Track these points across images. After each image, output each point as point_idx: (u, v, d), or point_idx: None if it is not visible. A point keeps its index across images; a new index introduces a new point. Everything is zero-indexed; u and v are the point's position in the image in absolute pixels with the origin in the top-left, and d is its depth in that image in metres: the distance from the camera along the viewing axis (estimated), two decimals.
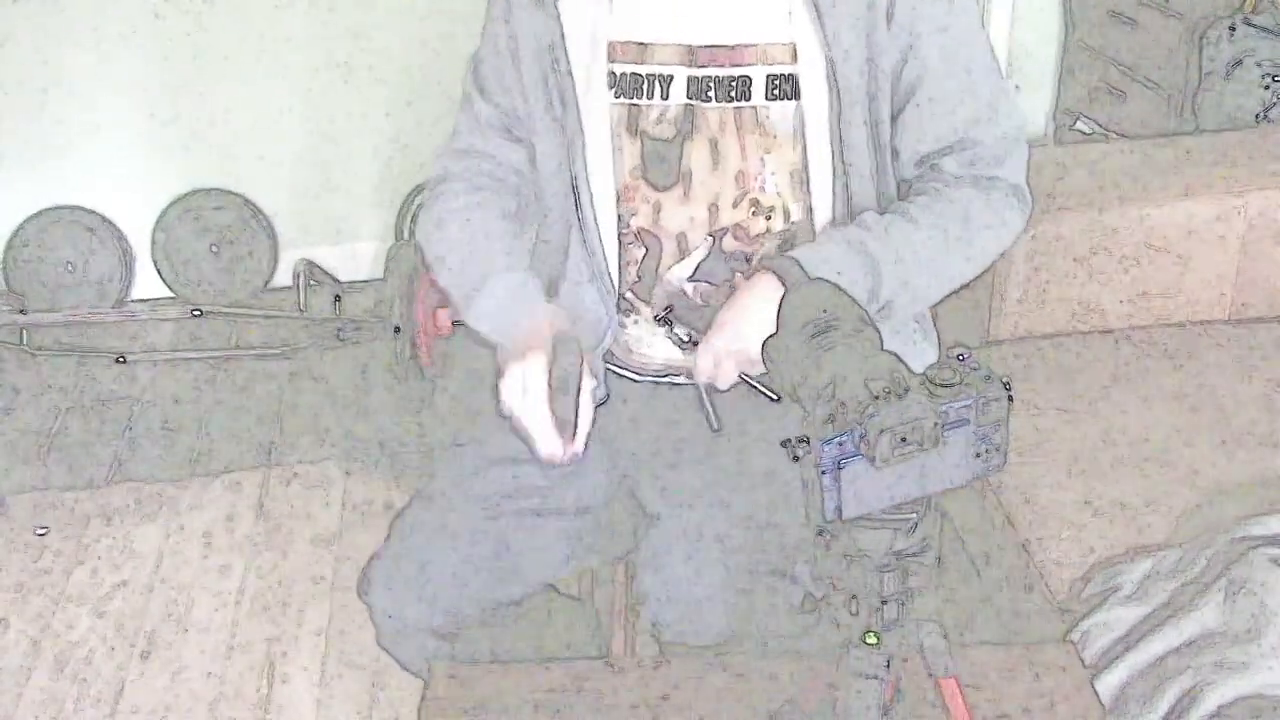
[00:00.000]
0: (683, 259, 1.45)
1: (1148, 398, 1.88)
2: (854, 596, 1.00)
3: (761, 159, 1.40)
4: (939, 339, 1.61)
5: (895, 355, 0.95)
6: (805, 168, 1.40)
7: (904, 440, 0.90)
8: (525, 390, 1.33)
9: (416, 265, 2.87)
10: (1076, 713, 1.24)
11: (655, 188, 1.43)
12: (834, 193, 1.41)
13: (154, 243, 3.32)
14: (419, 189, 3.35)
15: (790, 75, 1.37)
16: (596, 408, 1.48)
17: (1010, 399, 0.95)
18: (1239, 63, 2.76)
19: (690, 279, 1.46)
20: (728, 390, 1.38)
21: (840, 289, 1.01)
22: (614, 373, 1.55)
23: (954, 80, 1.39)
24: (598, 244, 1.46)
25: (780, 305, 1.00)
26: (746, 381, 1.37)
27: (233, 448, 2.81)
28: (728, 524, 1.40)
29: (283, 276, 3.36)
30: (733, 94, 1.38)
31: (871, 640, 1.00)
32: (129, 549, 2.51)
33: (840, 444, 0.91)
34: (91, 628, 2.32)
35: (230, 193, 3.32)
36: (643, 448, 1.52)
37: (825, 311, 1.00)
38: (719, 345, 1.36)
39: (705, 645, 1.38)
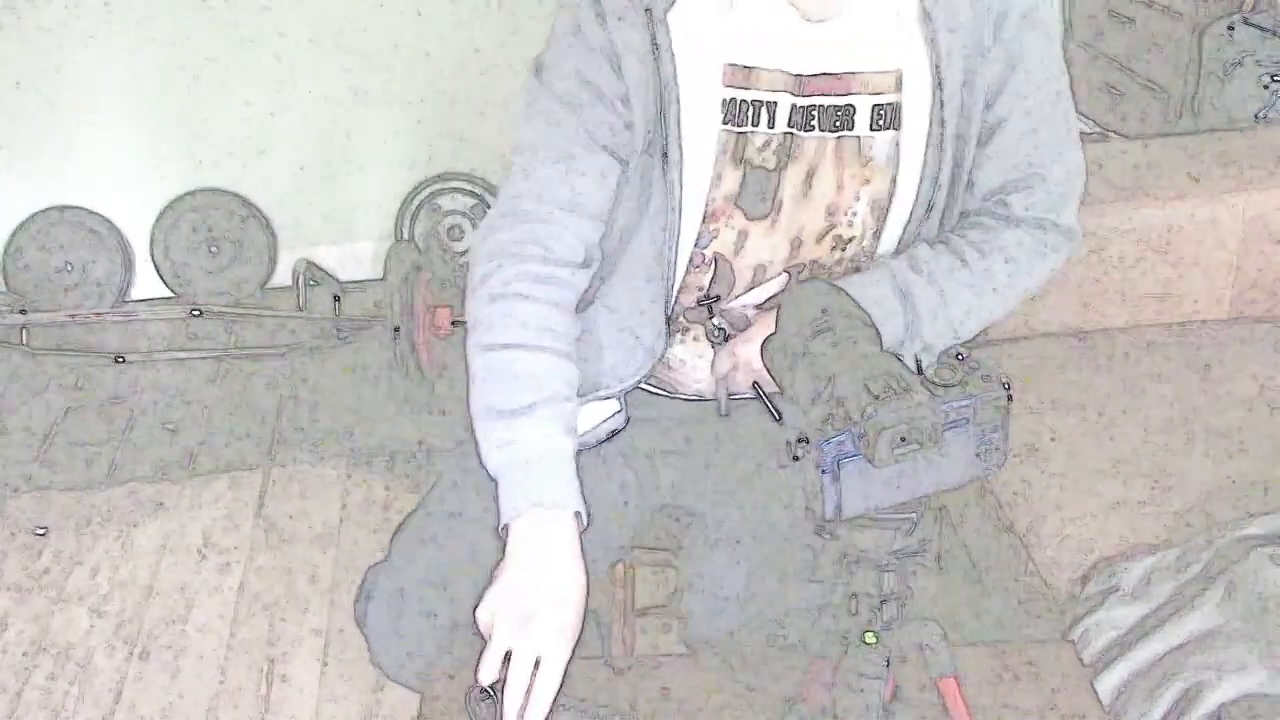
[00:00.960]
0: (754, 288, 1.44)
1: (1147, 397, 1.88)
2: (854, 596, 1.00)
3: (858, 191, 1.38)
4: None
5: (894, 355, 0.95)
6: (890, 198, 1.39)
7: (903, 440, 0.90)
8: (531, 672, 1.19)
9: (415, 264, 2.87)
10: (1076, 712, 1.24)
11: (748, 216, 1.40)
12: (905, 224, 1.40)
13: (153, 242, 3.32)
14: (419, 188, 3.36)
15: (893, 104, 1.35)
16: (614, 434, 1.49)
17: (1009, 399, 0.95)
18: (1238, 62, 2.76)
19: (758, 307, 1.44)
20: (739, 395, 1.39)
21: (840, 289, 1.01)
22: (645, 391, 1.54)
23: (1040, 112, 1.39)
24: (670, 266, 1.41)
25: (780, 305, 1.00)
26: (759, 394, 1.37)
27: (232, 448, 2.81)
28: (768, 528, 1.41)
29: (282, 276, 3.36)
30: (837, 123, 1.36)
31: (871, 639, 1.01)
32: (128, 549, 2.51)
33: (840, 443, 0.91)
34: (91, 627, 2.32)
35: (229, 192, 3.32)
36: (674, 461, 1.53)
37: (824, 311, 1.00)
38: (741, 352, 1.37)
39: (735, 641, 1.39)
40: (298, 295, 3.22)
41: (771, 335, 1.00)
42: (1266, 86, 2.74)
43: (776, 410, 1.35)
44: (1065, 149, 1.43)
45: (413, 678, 1.47)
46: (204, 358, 3.13)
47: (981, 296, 1.41)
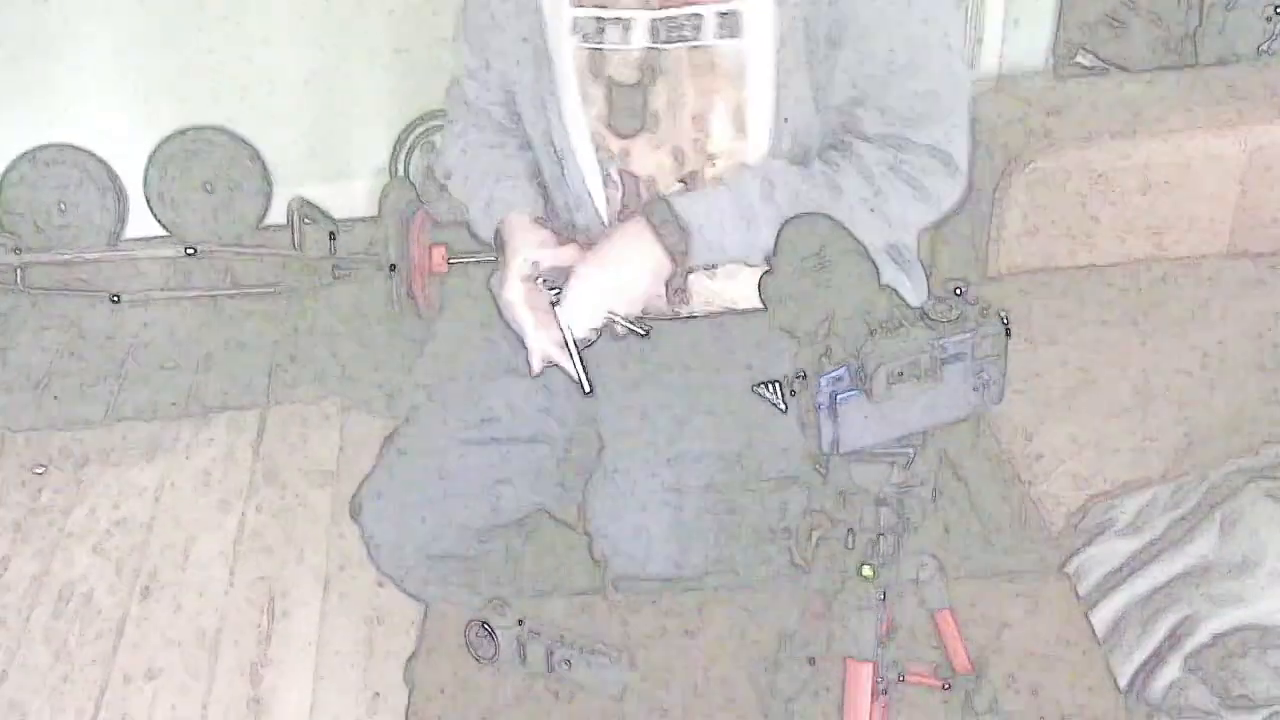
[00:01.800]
0: None
1: (1145, 332, 1.87)
2: (850, 530, 1.00)
3: (711, 101, 1.39)
4: (928, 281, 1.60)
5: (893, 290, 0.95)
6: (744, 110, 1.39)
7: (901, 375, 0.90)
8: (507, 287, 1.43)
9: (410, 202, 2.86)
10: (1071, 644, 1.26)
11: (619, 134, 1.43)
12: (772, 137, 1.39)
13: (146, 181, 3.30)
14: (414, 125, 3.33)
15: (736, 13, 1.35)
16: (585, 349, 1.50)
17: (1007, 333, 0.95)
18: None
19: None
20: (595, 338, 1.41)
21: (838, 224, 1.01)
22: None
23: (886, 20, 1.34)
24: (583, 190, 1.47)
25: (777, 239, 1.00)
26: (616, 321, 1.39)
27: (230, 386, 2.81)
28: (676, 459, 1.41)
29: (277, 214, 3.35)
30: (686, 34, 1.37)
31: (867, 574, 1.01)
32: (128, 487, 2.52)
33: (837, 378, 0.91)
34: (92, 565, 2.33)
35: (223, 130, 3.30)
36: (605, 380, 1.53)
37: (823, 246, 0.99)
38: (580, 287, 1.38)
39: (650, 578, 1.39)
40: (292, 233, 3.20)
41: (768, 270, 1.00)
42: (1269, 19, 2.70)
43: (641, 328, 1.39)
44: (925, 62, 1.36)
45: (406, 576, 1.53)
46: (200, 297, 3.12)
47: (832, 215, 1.37)
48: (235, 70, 3.24)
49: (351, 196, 3.40)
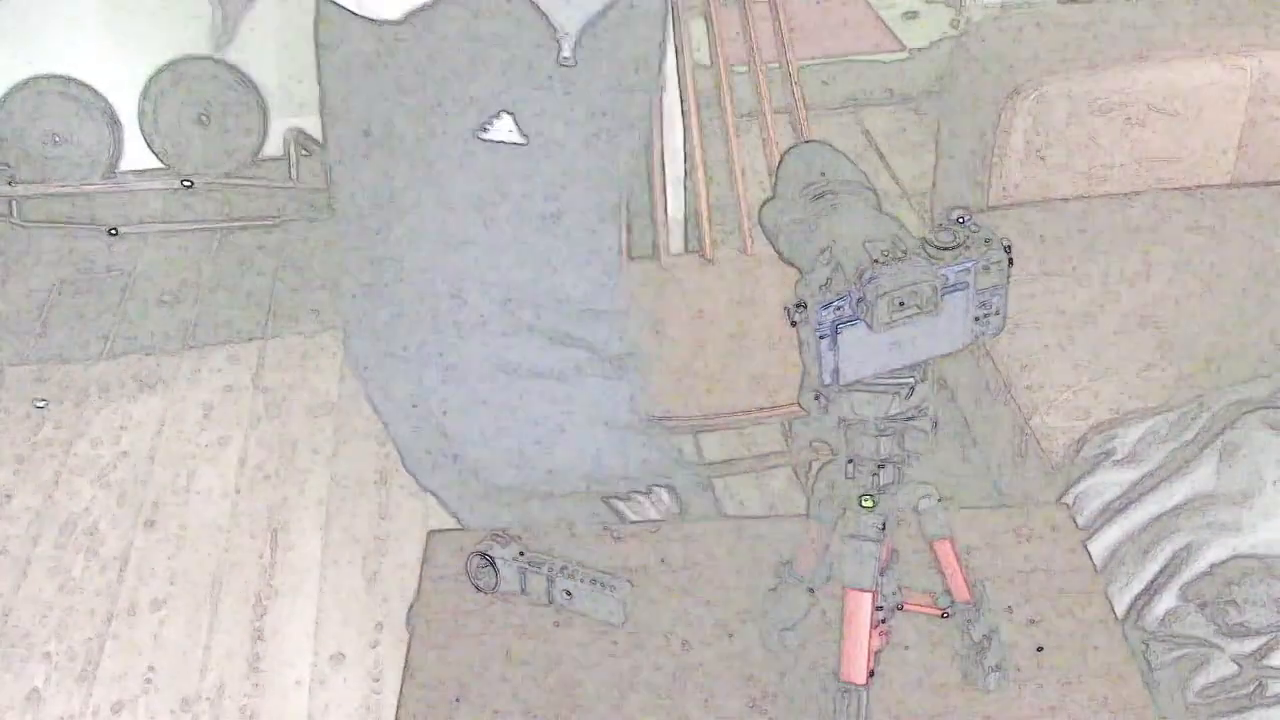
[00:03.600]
0: None
1: (1147, 262, 1.87)
2: (851, 460, 1.00)
3: None
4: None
5: (895, 218, 0.94)
6: None
7: (902, 304, 0.89)
8: None
9: None
10: (1069, 574, 1.26)
11: None
12: None
13: (141, 112, 3.27)
14: None
15: None
16: None
17: (1010, 262, 0.94)
18: None
19: None
20: None
21: (837, 151, 0.99)
22: None
23: None
24: None
25: (778, 168, 0.99)
26: None
27: (229, 319, 2.81)
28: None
29: (273, 146, 3.32)
30: None
31: (868, 504, 1.01)
32: (129, 420, 2.52)
33: (838, 308, 0.90)
34: (95, 498, 2.34)
35: (217, 60, 3.26)
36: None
37: (824, 174, 0.98)
38: None
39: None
40: (289, 165, 3.18)
41: (769, 199, 0.99)
42: None
43: None
44: None
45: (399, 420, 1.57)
46: (197, 229, 3.11)
47: None
48: None
49: None
